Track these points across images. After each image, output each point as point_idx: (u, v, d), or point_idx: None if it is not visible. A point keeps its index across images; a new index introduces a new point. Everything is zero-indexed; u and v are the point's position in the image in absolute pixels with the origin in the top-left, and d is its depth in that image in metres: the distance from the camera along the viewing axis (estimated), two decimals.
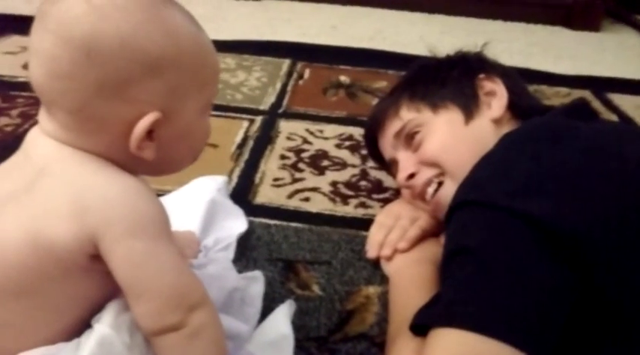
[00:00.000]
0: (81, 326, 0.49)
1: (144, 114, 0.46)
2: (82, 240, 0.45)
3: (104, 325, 0.47)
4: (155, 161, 0.49)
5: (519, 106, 0.78)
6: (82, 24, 0.44)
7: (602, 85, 1.55)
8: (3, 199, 0.47)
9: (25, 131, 1.03)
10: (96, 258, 0.46)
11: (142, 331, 0.48)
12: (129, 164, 0.49)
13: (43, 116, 0.49)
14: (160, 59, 0.46)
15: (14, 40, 1.56)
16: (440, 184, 0.76)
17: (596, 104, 1.41)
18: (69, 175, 0.47)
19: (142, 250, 0.46)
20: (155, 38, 0.46)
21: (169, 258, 0.48)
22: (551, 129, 0.64)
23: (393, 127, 0.82)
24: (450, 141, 0.76)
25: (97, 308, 0.49)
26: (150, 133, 0.47)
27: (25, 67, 1.38)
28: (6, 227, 0.46)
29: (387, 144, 0.84)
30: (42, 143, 0.48)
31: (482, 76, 0.81)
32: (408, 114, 0.81)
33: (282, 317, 0.63)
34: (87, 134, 0.47)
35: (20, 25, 1.60)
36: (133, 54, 0.45)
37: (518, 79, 0.85)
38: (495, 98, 0.79)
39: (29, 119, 1.12)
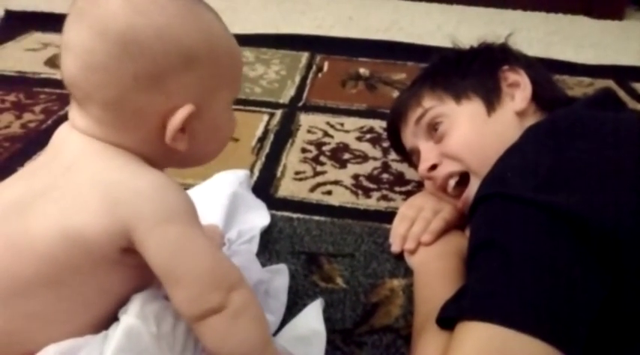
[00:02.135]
0: (109, 319, 0.50)
1: (177, 108, 0.48)
2: (113, 233, 0.46)
3: (131, 316, 0.48)
4: (185, 153, 0.50)
5: (543, 98, 0.77)
6: (117, 17, 0.45)
7: (627, 74, 1.52)
8: (34, 195, 0.47)
9: (49, 127, 1.07)
10: (126, 251, 0.47)
11: (184, 318, 0.49)
12: (159, 157, 0.50)
13: (74, 112, 0.49)
14: (194, 52, 0.47)
15: (35, 37, 1.57)
16: (462, 177, 0.76)
17: (621, 93, 1.38)
18: (98, 170, 0.47)
19: (175, 236, 0.47)
20: (190, 31, 0.47)
21: (203, 242, 0.48)
22: (574, 122, 0.63)
23: (414, 115, 0.82)
24: (474, 138, 0.76)
25: (125, 302, 0.50)
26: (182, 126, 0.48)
27: (47, 63, 1.40)
28: (36, 221, 0.46)
29: (409, 132, 0.84)
30: (73, 139, 0.49)
31: (505, 67, 0.80)
32: (429, 103, 0.80)
33: (314, 313, 0.63)
34: (120, 128, 0.48)
35: (41, 22, 1.64)
36: (168, 46, 0.46)
37: (542, 70, 0.83)
38: (519, 90, 0.78)
39: (52, 115, 1.13)
